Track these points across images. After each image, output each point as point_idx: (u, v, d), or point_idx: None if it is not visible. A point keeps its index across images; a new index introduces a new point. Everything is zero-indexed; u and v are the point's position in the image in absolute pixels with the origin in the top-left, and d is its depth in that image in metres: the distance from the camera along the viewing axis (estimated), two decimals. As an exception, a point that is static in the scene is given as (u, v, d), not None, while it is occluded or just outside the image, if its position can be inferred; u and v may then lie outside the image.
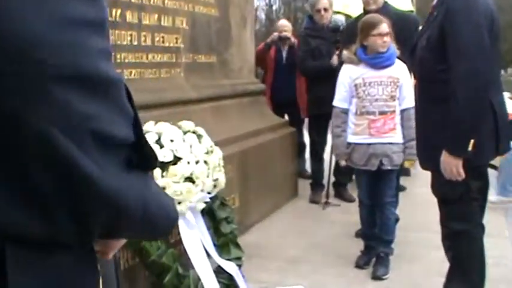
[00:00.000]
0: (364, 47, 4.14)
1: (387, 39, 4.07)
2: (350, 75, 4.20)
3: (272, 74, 7.22)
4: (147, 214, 0.93)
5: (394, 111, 4.13)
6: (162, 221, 1.01)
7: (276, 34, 7.35)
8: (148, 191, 0.95)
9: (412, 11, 7.57)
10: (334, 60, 5.74)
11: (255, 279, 4.07)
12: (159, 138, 3.52)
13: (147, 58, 4.24)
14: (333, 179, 6.36)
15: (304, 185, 6.69)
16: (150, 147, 0.95)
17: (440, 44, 2.92)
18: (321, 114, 5.85)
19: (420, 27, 4.21)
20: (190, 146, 3.60)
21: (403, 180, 6.07)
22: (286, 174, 6.21)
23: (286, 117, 7.30)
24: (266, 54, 7.23)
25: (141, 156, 0.92)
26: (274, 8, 29.44)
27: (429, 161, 3.10)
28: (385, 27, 4.06)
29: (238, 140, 5.19)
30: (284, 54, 7.16)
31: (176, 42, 4.61)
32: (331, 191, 6.29)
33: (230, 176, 4.77)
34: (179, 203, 3.45)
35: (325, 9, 6.19)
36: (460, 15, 2.85)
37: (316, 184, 6.43)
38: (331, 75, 5.38)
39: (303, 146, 7.35)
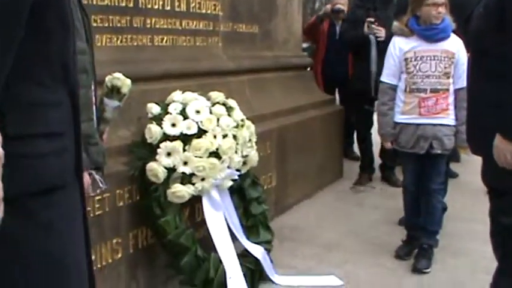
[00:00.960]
0: (417, 17, 3.77)
1: (442, 10, 3.68)
2: (400, 48, 3.83)
3: (324, 48, 6.85)
4: None
5: (447, 90, 3.76)
6: None
7: (328, 6, 6.99)
8: None
9: None
10: (365, 28, 5.44)
11: (285, 265, 3.80)
12: (184, 109, 3.27)
13: (180, 25, 3.99)
14: (379, 161, 6.01)
15: (351, 167, 6.34)
16: None
17: (500, 11, 2.52)
18: (360, 91, 5.55)
19: None
20: (218, 119, 3.34)
21: (454, 167, 5.67)
22: (331, 154, 5.87)
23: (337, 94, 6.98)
24: (318, 28, 6.88)
25: None
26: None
27: (480, 145, 2.72)
28: None
29: (279, 115, 4.90)
30: (338, 28, 6.77)
31: (214, 10, 4.33)
32: (378, 174, 5.95)
33: (268, 153, 4.52)
34: (202, 179, 3.20)
35: None
36: None
37: (364, 167, 6.08)
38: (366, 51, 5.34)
39: (352, 125, 6.97)
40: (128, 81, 2.61)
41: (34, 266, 1.20)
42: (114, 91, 2.58)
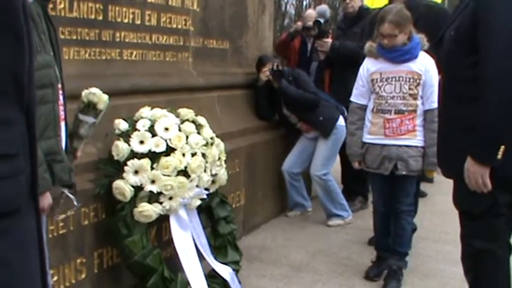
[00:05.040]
0: (384, 39, 3.76)
1: (387, 42, 3.65)
2: (368, 69, 3.83)
3: (295, 66, 6.82)
4: None
5: (414, 111, 3.70)
6: None
7: (299, 24, 6.98)
8: None
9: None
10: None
11: (254, 286, 3.74)
12: (152, 126, 3.19)
13: (150, 39, 3.91)
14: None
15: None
16: None
17: (471, 34, 2.52)
18: None
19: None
20: (187, 137, 3.27)
21: (424, 186, 5.68)
22: (300, 172, 5.83)
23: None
24: (290, 45, 6.86)
25: None
26: (304, 3, 29.00)
27: (451, 168, 2.71)
28: (385, 28, 3.62)
29: (248, 133, 4.85)
30: (309, 46, 6.75)
31: (185, 25, 4.27)
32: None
33: (237, 171, 4.46)
34: (170, 198, 3.12)
35: None
36: (495, 3, 2.46)
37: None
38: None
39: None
40: (105, 97, 2.54)
41: None
42: (90, 107, 2.50)
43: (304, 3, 28.41)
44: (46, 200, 2.12)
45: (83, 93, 2.57)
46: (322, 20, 5.99)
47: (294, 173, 5.22)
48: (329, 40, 5.52)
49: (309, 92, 5.04)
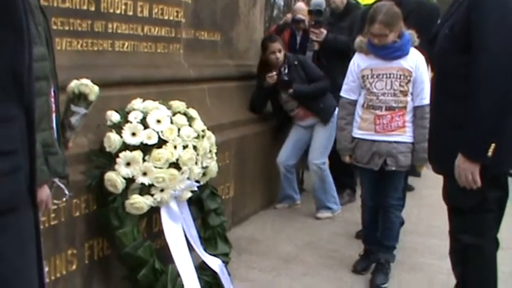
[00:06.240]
0: (374, 36, 3.77)
1: (378, 41, 3.66)
2: (358, 65, 3.83)
3: (284, 58, 6.84)
4: None
5: (404, 108, 3.72)
6: None
7: (289, 16, 6.98)
8: None
9: None
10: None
11: (243, 278, 3.76)
12: (144, 118, 3.19)
13: (142, 30, 3.90)
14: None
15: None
16: None
17: (464, 33, 2.55)
18: None
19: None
20: (179, 129, 3.27)
21: (411, 180, 5.73)
22: (289, 164, 5.85)
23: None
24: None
25: None
26: (293, -7, 28.95)
27: (442, 165, 2.75)
28: (376, 28, 3.62)
29: (238, 125, 4.86)
30: (298, 39, 6.77)
31: (177, 16, 4.26)
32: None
33: (226, 163, 4.47)
34: (161, 190, 3.13)
35: None
36: (489, 1, 2.48)
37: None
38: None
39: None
40: (96, 88, 2.54)
41: None
42: (81, 98, 2.50)
43: (293, -6, 28.36)
44: (44, 192, 2.13)
45: (73, 84, 2.56)
46: (321, 8, 6.00)
47: (289, 165, 5.24)
48: (324, 31, 5.53)
49: (318, 79, 5.08)
